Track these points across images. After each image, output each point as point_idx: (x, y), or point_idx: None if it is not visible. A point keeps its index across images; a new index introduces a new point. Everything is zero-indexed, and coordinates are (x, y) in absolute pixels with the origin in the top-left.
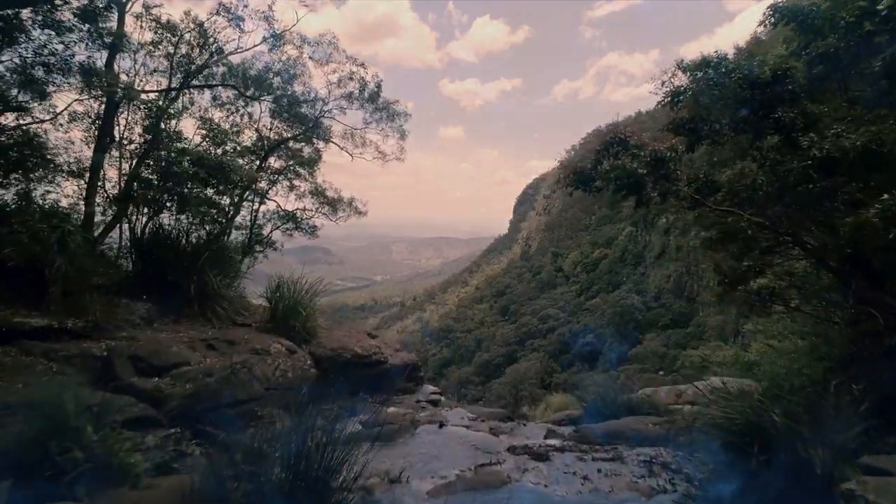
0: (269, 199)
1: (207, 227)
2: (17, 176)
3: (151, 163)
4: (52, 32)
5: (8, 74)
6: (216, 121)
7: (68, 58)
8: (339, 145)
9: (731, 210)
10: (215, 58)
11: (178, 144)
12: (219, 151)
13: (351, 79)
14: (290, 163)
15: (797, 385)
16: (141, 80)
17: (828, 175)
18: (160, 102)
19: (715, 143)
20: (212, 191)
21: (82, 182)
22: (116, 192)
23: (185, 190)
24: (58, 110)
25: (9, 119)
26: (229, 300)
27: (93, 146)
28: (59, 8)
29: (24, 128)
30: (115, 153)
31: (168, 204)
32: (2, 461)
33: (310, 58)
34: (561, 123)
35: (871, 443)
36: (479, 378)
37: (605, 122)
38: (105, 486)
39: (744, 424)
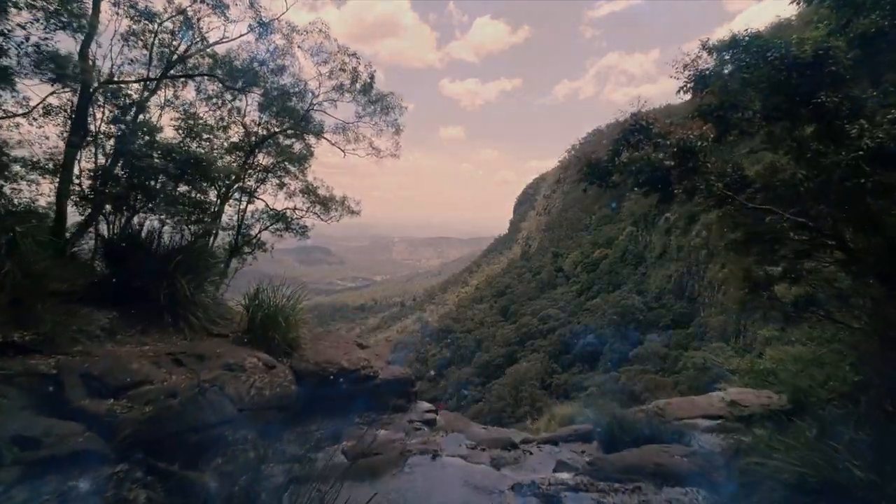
0: (257, 198)
1: (189, 228)
2: None
3: (121, 158)
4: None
5: None
6: (201, 115)
7: (39, 44)
8: (330, 141)
9: (768, 209)
10: (198, 45)
11: (149, 137)
12: (193, 145)
13: (343, 70)
14: (279, 159)
15: (823, 398)
16: (118, 71)
17: (882, 167)
18: (130, 91)
19: (744, 133)
20: (187, 187)
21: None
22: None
23: (154, 186)
24: (32, 104)
25: None
26: (205, 308)
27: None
28: None
29: None
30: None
31: (133, 202)
32: None
33: (299, 47)
34: (561, 123)
35: None
36: (479, 379)
37: (605, 122)
38: None
39: (818, 480)
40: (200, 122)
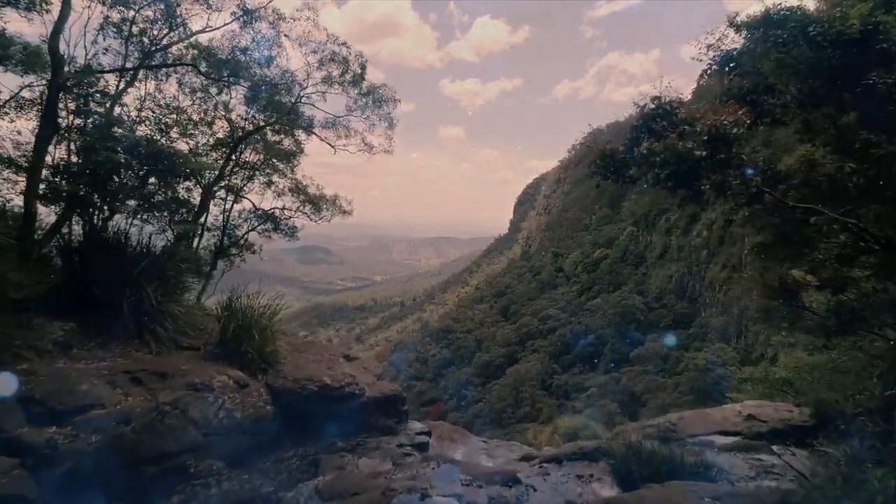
0: (243, 198)
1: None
2: None
3: (83, 153)
4: None
5: None
6: (185, 110)
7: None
8: (319, 136)
9: (809, 207)
10: (177, 31)
11: (115, 130)
12: (164, 139)
13: (332, 60)
14: (267, 156)
15: (850, 412)
16: (95, 62)
17: None
18: (105, 83)
19: (776, 121)
20: (156, 185)
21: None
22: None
23: (118, 182)
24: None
25: None
26: (175, 318)
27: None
28: None
29: None
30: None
31: (96, 200)
32: None
33: (286, 36)
34: (562, 123)
35: None
36: (479, 379)
37: (605, 122)
38: None
39: None
40: (173, 115)
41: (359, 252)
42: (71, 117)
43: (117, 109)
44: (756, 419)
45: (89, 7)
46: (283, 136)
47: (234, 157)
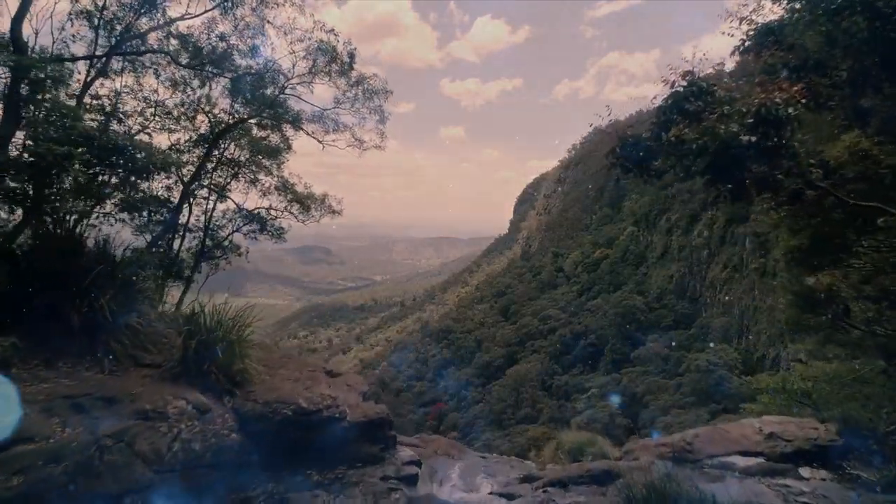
0: (226, 197)
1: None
2: None
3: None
4: None
5: None
6: (165, 103)
7: None
8: (306, 131)
9: (879, 207)
10: (153, 18)
11: (70, 121)
12: (121, 129)
13: (320, 49)
14: (251, 151)
15: (882, 430)
16: (66, 50)
17: None
18: (50, 67)
19: (821, 105)
20: (122, 182)
21: None
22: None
23: (66, 178)
24: None
25: None
26: (135, 331)
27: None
28: None
29: None
30: None
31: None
32: None
33: (269, 22)
34: (562, 123)
35: None
36: (479, 379)
37: (605, 122)
38: None
39: None
40: (150, 108)
41: (359, 252)
42: (35, 110)
43: (89, 101)
44: (779, 438)
45: None
46: (269, 131)
47: (216, 153)
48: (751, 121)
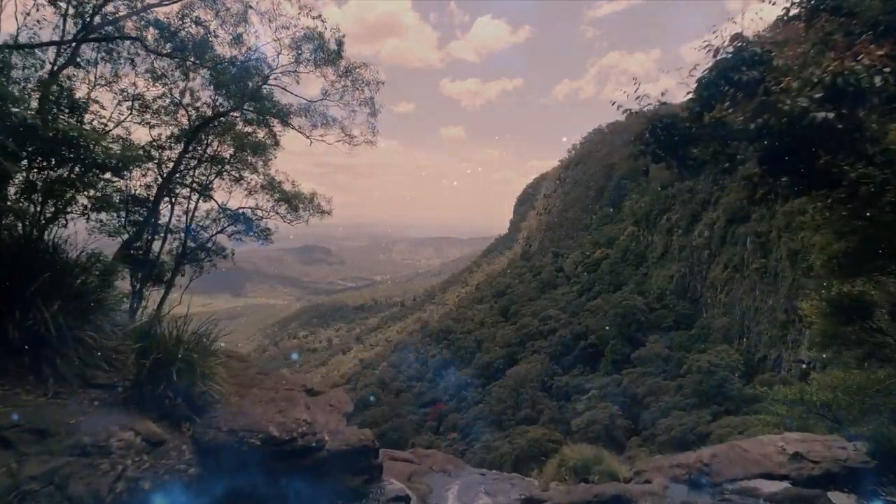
0: (209, 196)
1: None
2: None
3: None
4: None
5: None
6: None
7: None
8: (292, 125)
9: None
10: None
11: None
12: (71, 120)
13: (306, 37)
14: (235, 147)
15: None
16: (33, 37)
17: None
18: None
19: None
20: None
21: None
22: None
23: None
24: None
25: None
26: (88, 346)
27: None
28: None
29: None
30: None
31: None
32: None
33: (251, 7)
34: (562, 123)
35: None
36: (479, 380)
37: (605, 122)
38: None
39: None
40: (62, 87)
41: (359, 252)
42: None
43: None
44: (804, 458)
45: None
46: (255, 126)
47: (199, 150)
48: (821, 94)
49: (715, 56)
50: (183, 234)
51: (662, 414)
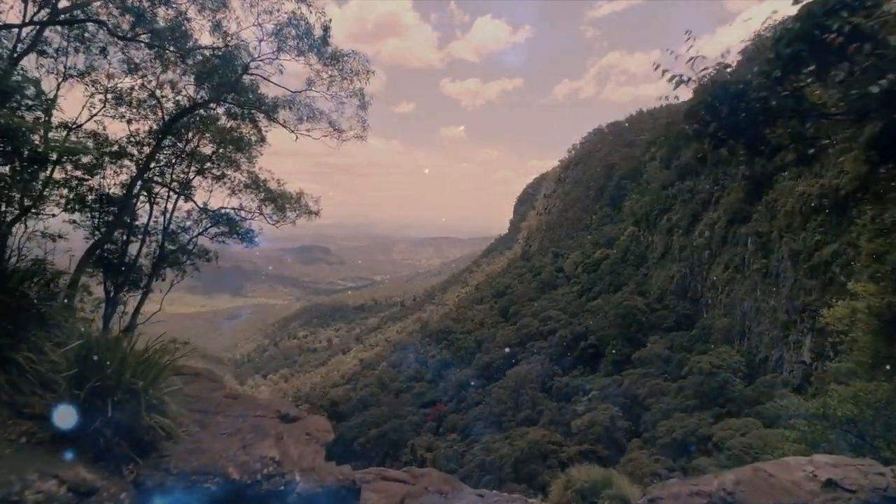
0: (188, 196)
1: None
2: None
3: None
4: None
5: None
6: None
7: None
8: (275, 118)
9: None
10: None
11: None
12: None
13: (290, 22)
14: (218, 142)
15: None
16: None
17: None
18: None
19: None
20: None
21: None
22: None
23: None
24: None
25: None
26: (20, 370)
27: None
28: None
29: None
30: None
31: None
32: None
33: None
34: (562, 123)
35: None
36: (479, 381)
37: (605, 122)
38: None
39: None
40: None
41: (359, 252)
42: None
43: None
44: (839, 487)
45: None
46: (239, 121)
47: (179, 145)
48: None
49: (797, 1)
50: (160, 236)
51: (663, 416)
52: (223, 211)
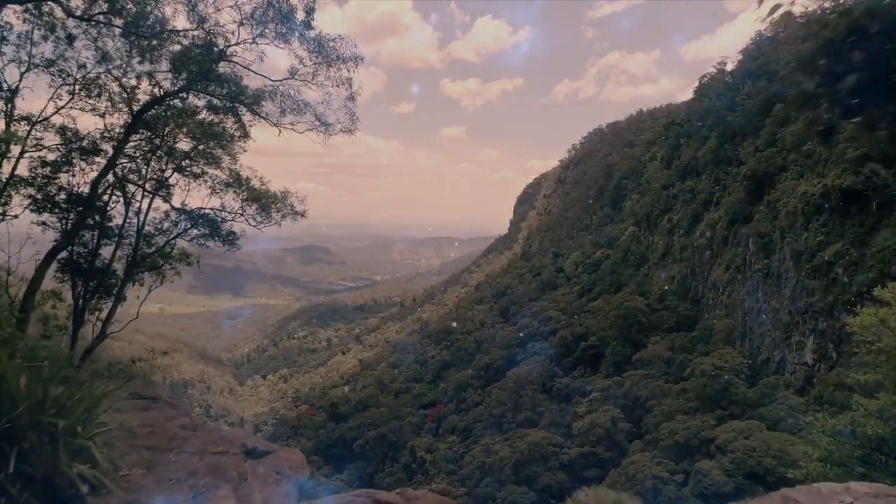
0: (160, 196)
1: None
2: None
3: None
4: None
5: None
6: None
7: None
8: (257, 112)
9: None
10: None
11: None
12: None
13: (270, 3)
14: (196, 136)
15: None
16: None
17: None
18: None
19: None
20: None
21: None
22: None
23: None
24: None
25: None
26: None
27: None
28: None
29: None
30: None
31: None
32: None
33: None
34: (562, 123)
35: None
36: (478, 382)
37: (605, 122)
38: None
39: None
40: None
41: (359, 252)
42: None
43: None
44: None
45: None
46: (221, 115)
47: (156, 140)
48: None
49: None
50: (134, 239)
51: (665, 417)
52: (203, 211)
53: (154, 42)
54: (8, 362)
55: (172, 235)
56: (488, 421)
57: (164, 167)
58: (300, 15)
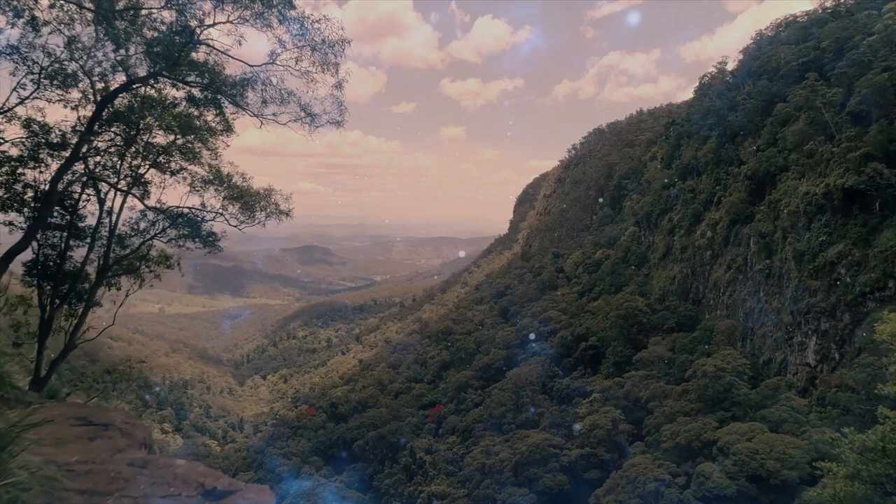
0: (132, 194)
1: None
2: None
3: None
4: None
5: None
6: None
7: None
8: (237, 102)
9: None
10: None
11: None
12: None
13: None
14: (172, 128)
15: None
16: None
17: None
18: None
19: None
20: None
21: None
22: None
23: None
24: None
25: None
26: None
27: None
28: None
29: None
30: None
31: None
32: None
33: None
34: (562, 123)
35: None
36: (478, 382)
37: (605, 122)
38: None
39: None
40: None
41: (359, 252)
42: None
43: None
44: None
45: None
46: (202, 108)
47: (130, 132)
48: None
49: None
50: (106, 241)
51: (667, 419)
52: (182, 210)
53: (126, 25)
54: None
55: (149, 236)
56: (488, 422)
57: (139, 163)
58: None
